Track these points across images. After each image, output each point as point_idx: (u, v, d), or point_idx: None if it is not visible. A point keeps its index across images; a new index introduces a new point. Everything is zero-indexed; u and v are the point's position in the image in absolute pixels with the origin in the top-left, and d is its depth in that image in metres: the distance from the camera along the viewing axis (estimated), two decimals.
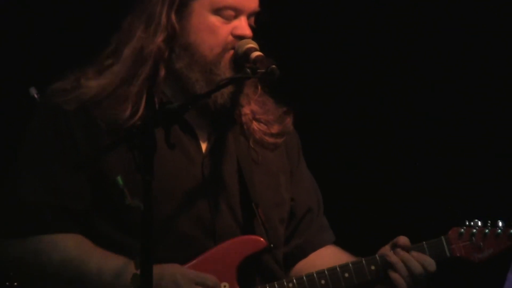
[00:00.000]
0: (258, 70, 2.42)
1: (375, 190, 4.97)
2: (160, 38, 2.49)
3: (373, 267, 2.47)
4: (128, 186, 2.14)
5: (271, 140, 2.64)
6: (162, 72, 2.51)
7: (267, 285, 2.50)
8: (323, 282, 2.46)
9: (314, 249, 2.67)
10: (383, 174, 5.07)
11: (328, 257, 2.63)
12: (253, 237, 2.51)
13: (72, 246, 2.48)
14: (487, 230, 2.51)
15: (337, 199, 3.03)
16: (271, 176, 2.62)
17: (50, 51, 4.39)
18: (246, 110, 2.63)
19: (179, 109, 2.20)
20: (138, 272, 2.07)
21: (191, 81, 2.52)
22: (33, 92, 3.34)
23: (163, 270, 2.38)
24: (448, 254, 2.48)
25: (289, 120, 2.68)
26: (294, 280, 2.49)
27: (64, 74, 2.55)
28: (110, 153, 2.35)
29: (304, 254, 2.65)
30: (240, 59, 2.49)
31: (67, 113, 2.47)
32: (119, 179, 2.17)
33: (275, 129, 2.65)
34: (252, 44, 2.51)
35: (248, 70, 2.42)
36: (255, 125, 2.64)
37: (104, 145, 2.43)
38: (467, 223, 2.54)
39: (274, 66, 2.42)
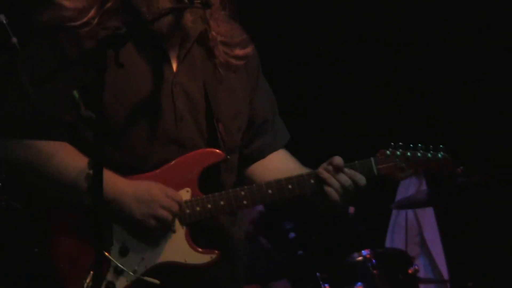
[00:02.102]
0: (195, 1, 2.75)
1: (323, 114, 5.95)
2: None
3: (312, 181, 2.84)
4: (87, 99, 2.60)
5: (234, 62, 2.99)
6: (116, 4, 2.84)
7: (223, 191, 2.82)
8: (270, 191, 2.88)
9: (270, 151, 3.06)
10: (330, 102, 6.01)
11: (279, 161, 3.05)
12: (213, 150, 2.87)
13: (63, 150, 2.84)
14: (409, 153, 2.86)
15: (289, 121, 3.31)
16: (232, 92, 2.98)
17: None
18: (213, 34, 2.92)
19: (125, 34, 2.57)
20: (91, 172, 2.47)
21: (136, 11, 2.82)
22: (2, 18, 3.71)
23: (139, 184, 2.75)
24: (375, 172, 2.86)
25: (251, 45, 3.00)
26: (246, 189, 2.87)
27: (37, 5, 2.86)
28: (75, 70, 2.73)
29: (262, 155, 3.05)
30: None
31: (53, 28, 2.83)
32: (75, 93, 2.59)
33: (238, 52, 2.97)
34: None
35: (186, 0, 2.76)
36: (220, 48, 2.95)
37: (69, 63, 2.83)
38: (393, 146, 2.89)
39: None
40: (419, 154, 2.88)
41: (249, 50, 3.00)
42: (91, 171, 2.57)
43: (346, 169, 2.79)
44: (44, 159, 2.83)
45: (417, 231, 5.70)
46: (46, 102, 2.83)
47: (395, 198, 5.71)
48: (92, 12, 2.81)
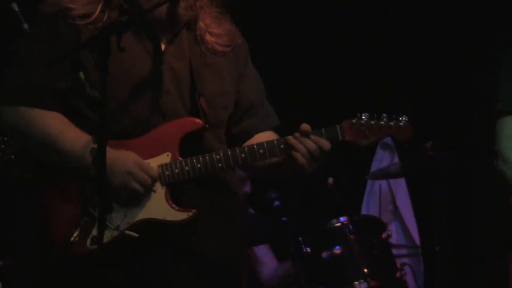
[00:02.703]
0: None
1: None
2: None
3: (282, 146, 3.04)
4: (90, 80, 2.84)
5: (220, 48, 3.18)
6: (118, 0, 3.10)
7: (199, 156, 3.03)
8: (243, 155, 3.05)
9: (257, 131, 3.25)
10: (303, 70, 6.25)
11: (264, 139, 3.21)
12: (192, 118, 3.11)
13: (55, 120, 3.06)
14: (372, 122, 3.08)
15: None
16: (217, 73, 3.20)
17: None
18: (201, 24, 3.16)
19: (127, 21, 2.80)
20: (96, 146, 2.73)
21: (134, 1, 3.07)
22: (15, 6, 3.92)
23: (119, 154, 2.97)
24: (340, 138, 3.07)
25: (238, 34, 3.26)
26: (221, 153, 3.05)
27: None
28: (80, 53, 2.94)
29: (249, 135, 3.24)
30: None
31: (53, 14, 3.11)
32: (81, 74, 2.80)
33: (224, 40, 3.19)
34: None
35: None
36: (207, 36, 3.17)
37: (73, 46, 3.03)
38: (358, 115, 3.10)
39: None
40: (381, 123, 3.10)
41: (236, 38, 3.24)
42: (83, 142, 2.95)
43: (311, 135, 3.02)
44: (36, 127, 3.07)
45: (390, 199, 5.93)
46: (42, 74, 3.07)
47: (370, 170, 5.98)
48: (98, 9, 3.06)
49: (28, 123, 3.06)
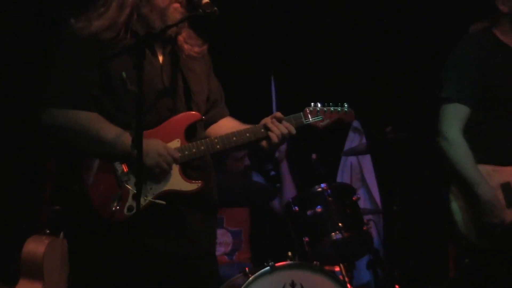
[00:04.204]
0: (207, 11, 3.25)
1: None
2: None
3: (262, 130, 3.44)
4: (128, 79, 3.20)
5: (195, 54, 3.52)
6: (135, 16, 3.36)
7: (202, 140, 3.40)
8: (234, 138, 3.44)
9: (221, 118, 3.66)
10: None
11: (229, 123, 3.65)
12: (193, 112, 3.44)
13: (92, 117, 3.31)
14: (325, 109, 3.53)
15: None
16: (198, 77, 3.55)
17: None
18: (180, 38, 3.49)
19: (148, 37, 3.28)
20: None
21: (152, 21, 3.38)
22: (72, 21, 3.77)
23: (150, 141, 3.26)
24: (304, 122, 3.48)
25: (205, 46, 3.60)
26: (218, 137, 3.42)
27: (75, 15, 3.39)
28: (115, 60, 3.29)
29: (215, 120, 3.64)
30: (195, 4, 3.30)
31: (84, 36, 3.32)
32: (123, 73, 3.19)
33: (197, 49, 3.54)
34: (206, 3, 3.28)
35: (200, 10, 3.26)
36: (185, 46, 3.51)
37: (108, 55, 3.30)
38: (313, 104, 3.54)
39: (215, 8, 3.25)
40: (332, 109, 3.52)
41: (204, 48, 3.58)
42: (117, 133, 3.27)
43: (283, 121, 3.40)
44: (82, 125, 3.31)
45: (359, 171, 6.45)
46: (81, 83, 3.32)
47: (343, 148, 6.44)
48: (121, 30, 3.36)
49: (75, 121, 3.31)
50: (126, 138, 3.24)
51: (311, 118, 3.50)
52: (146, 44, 3.34)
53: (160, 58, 3.44)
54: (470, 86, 4.10)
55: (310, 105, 3.52)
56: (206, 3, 3.26)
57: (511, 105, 4.12)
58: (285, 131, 3.36)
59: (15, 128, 5.73)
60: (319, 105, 3.53)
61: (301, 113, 3.47)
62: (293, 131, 3.38)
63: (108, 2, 3.37)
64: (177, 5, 3.33)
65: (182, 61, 3.50)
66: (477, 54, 4.16)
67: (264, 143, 3.44)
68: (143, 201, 3.23)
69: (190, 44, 3.55)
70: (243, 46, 6.19)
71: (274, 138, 3.35)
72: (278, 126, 3.37)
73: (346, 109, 3.55)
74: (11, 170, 5.84)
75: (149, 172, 3.30)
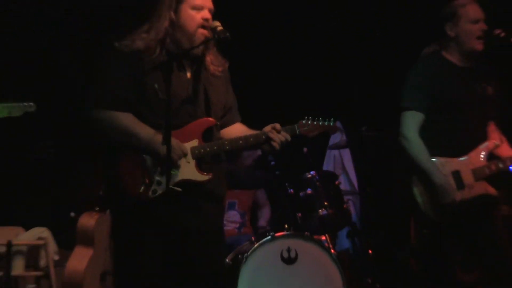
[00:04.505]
0: (221, 36, 3.23)
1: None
2: (167, 23, 3.31)
3: (264, 137, 3.31)
4: (159, 90, 3.18)
5: (218, 74, 3.44)
6: (169, 39, 3.33)
7: (215, 141, 3.32)
8: (240, 142, 3.34)
9: (232, 123, 3.57)
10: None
11: (238, 128, 3.54)
12: (210, 118, 3.37)
13: (129, 118, 3.25)
14: (315, 122, 3.43)
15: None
16: (218, 90, 3.48)
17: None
18: (208, 58, 3.43)
19: (178, 56, 3.28)
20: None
21: (181, 43, 3.34)
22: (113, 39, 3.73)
23: (174, 141, 3.18)
24: (297, 132, 3.39)
25: (226, 65, 3.51)
26: (227, 140, 3.32)
27: (120, 36, 3.36)
28: (151, 73, 3.23)
29: (228, 125, 3.54)
30: (212, 30, 3.28)
31: (135, 50, 3.29)
32: (156, 85, 3.18)
33: (220, 69, 3.47)
34: (218, 23, 3.28)
35: (216, 36, 3.26)
36: (211, 67, 3.43)
37: (146, 69, 3.25)
38: (306, 118, 3.43)
39: (228, 34, 3.21)
40: (320, 123, 3.42)
41: (225, 67, 3.49)
42: (150, 132, 3.16)
43: (282, 131, 3.34)
44: (119, 123, 3.22)
45: (340, 161, 6.33)
46: (120, 89, 3.24)
47: (328, 144, 6.31)
48: (156, 49, 3.30)
49: (117, 120, 3.24)
50: (158, 137, 3.19)
51: (303, 129, 3.45)
52: (175, 62, 3.31)
53: (188, 74, 3.39)
54: (423, 97, 4.01)
55: (304, 119, 3.47)
56: (221, 30, 3.24)
57: (456, 110, 4.04)
58: (283, 139, 3.34)
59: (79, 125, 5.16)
60: (310, 118, 3.48)
61: (296, 125, 3.43)
62: (289, 139, 3.38)
63: (149, 28, 3.35)
64: (202, 30, 3.30)
65: (206, 77, 3.44)
66: (428, 71, 4.06)
67: (265, 146, 3.40)
68: (164, 187, 3.20)
69: (215, 65, 3.47)
70: (250, 64, 6.02)
71: (276, 145, 3.34)
72: (278, 136, 3.34)
73: (331, 123, 3.50)
74: (74, 164, 5.78)
75: (174, 164, 3.26)
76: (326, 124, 3.44)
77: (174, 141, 3.19)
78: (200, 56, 3.37)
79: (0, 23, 5.61)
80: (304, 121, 3.40)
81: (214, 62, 3.45)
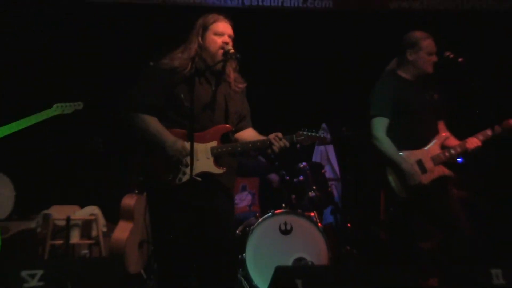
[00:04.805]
0: (233, 57, 3.26)
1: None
2: (196, 46, 3.34)
3: (268, 142, 3.26)
4: (184, 99, 3.15)
5: (237, 89, 3.42)
6: (197, 58, 3.33)
7: (230, 143, 3.29)
8: (250, 145, 3.32)
9: (245, 128, 3.50)
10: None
11: (250, 132, 3.48)
12: (227, 125, 3.34)
13: (152, 120, 3.23)
14: (309, 133, 3.37)
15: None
16: (235, 101, 3.44)
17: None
18: (231, 75, 3.42)
19: (203, 71, 3.25)
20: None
21: (207, 61, 3.34)
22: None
23: (176, 141, 3.17)
24: (295, 141, 3.31)
25: (245, 84, 3.47)
26: (240, 143, 3.32)
27: (161, 56, 3.36)
28: (180, 85, 3.21)
29: (241, 130, 3.48)
30: (225, 52, 3.29)
31: (168, 68, 3.29)
32: (182, 95, 3.16)
33: (239, 86, 3.45)
34: (231, 48, 3.31)
35: (229, 56, 3.27)
36: (233, 83, 3.43)
37: (176, 81, 3.25)
38: (303, 129, 3.38)
39: (238, 55, 3.24)
40: (312, 134, 3.37)
41: (244, 86, 3.47)
42: (171, 133, 3.12)
43: (283, 139, 3.28)
44: (147, 124, 3.21)
45: (326, 154, 6.19)
46: (151, 97, 3.23)
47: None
48: (188, 66, 3.30)
49: (146, 121, 3.23)
50: (169, 137, 3.17)
51: (299, 138, 3.38)
52: (202, 76, 3.31)
53: (213, 86, 3.38)
54: (387, 106, 4.04)
55: (300, 130, 3.42)
56: (232, 52, 3.30)
57: (413, 114, 4.05)
58: (283, 145, 3.31)
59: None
60: (306, 130, 3.43)
61: (294, 135, 3.38)
62: (288, 145, 3.36)
63: (183, 50, 3.37)
64: (222, 51, 3.32)
65: (227, 91, 3.42)
66: (390, 86, 4.10)
67: (268, 150, 3.36)
68: (188, 177, 3.19)
69: (237, 83, 3.46)
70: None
71: (276, 149, 3.30)
72: (279, 142, 3.31)
73: (322, 135, 3.46)
74: (119, 155, 5.79)
75: (177, 160, 3.19)
76: (317, 135, 3.44)
77: (180, 145, 3.19)
78: (221, 71, 3.38)
79: (63, 34, 5.71)
80: (301, 132, 3.39)
81: (236, 80, 3.46)
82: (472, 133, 4.11)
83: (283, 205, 4.74)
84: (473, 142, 4.06)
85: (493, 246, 4.74)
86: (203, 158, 3.27)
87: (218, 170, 3.30)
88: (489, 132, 4.06)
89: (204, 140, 3.29)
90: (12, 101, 5.20)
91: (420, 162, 4.01)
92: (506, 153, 5.30)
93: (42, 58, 5.70)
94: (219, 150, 3.29)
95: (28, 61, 5.68)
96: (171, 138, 3.20)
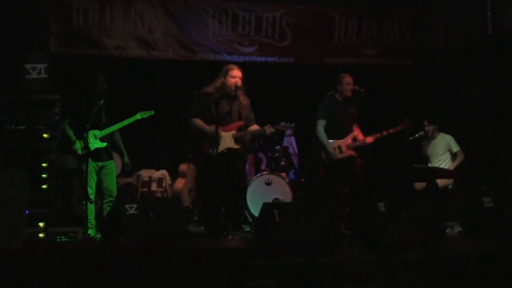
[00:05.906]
0: (241, 88, 4.53)
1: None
2: (220, 82, 4.74)
3: (264, 131, 4.36)
4: (214, 110, 4.54)
5: (245, 103, 4.68)
6: (222, 89, 4.55)
7: (240, 132, 4.34)
8: (252, 133, 4.55)
9: (252, 124, 4.71)
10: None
11: (254, 126, 4.65)
12: (241, 122, 4.61)
13: (200, 121, 4.49)
14: (285, 124, 4.41)
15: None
16: (245, 110, 4.72)
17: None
18: (240, 97, 4.70)
19: (225, 95, 4.39)
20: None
21: (227, 90, 4.70)
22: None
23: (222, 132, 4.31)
24: (278, 128, 4.31)
25: (249, 101, 4.68)
26: (248, 130, 4.34)
27: (204, 87, 4.52)
28: (212, 102, 4.48)
29: (249, 125, 4.72)
30: (237, 86, 4.59)
31: (206, 93, 4.58)
32: (212, 109, 4.53)
33: (246, 102, 4.72)
34: (240, 83, 4.57)
35: (239, 88, 4.54)
36: (243, 101, 4.72)
37: (210, 100, 4.52)
38: (283, 122, 4.47)
39: (244, 87, 4.44)
40: (287, 124, 4.50)
41: (249, 102, 4.75)
42: (212, 128, 4.55)
43: (271, 128, 4.56)
44: (197, 123, 4.52)
45: (290, 141, 7.48)
46: (198, 108, 4.68)
47: (285, 134, 7.56)
48: (217, 91, 4.66)
49: (197, 121, 4.52)
50: (211, 129, 4.33)
51: (280, 127, 4.50)
52: (225, 98, 4.39)
53: (230, 103, 4.70)
54: (326, 114, 5.55)
55: (281, 122, 4.57)
56: (240, 85, 4.62)
57: (339, 119, 5.40)
58: (272, 131, 4.57)
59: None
60: (284, 122, 4.59)
61: (277, 125, 4.59)
62: (274, 131, 4.61)
63: (214, 84, 4.61)
64: (234, 86, 4.49)
65: (239, 104, 4.72)
66: (329, 103, 5.60)
67: (263, 135, 4.50)
68: (219, 150, 4.45)
69: (245, 101, 4.71)
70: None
71: (267, 134, 4.48)
72: (268, 130, 4.59)
73: (293, 125, 4.63)
74: (180, 141, 7.12)
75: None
76: (291, 125, 4.66)
77: (214, 131, 4.36)
78: (235, 95, 4.70)
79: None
80: (282, 123, 4.64)
81: (244, 99, 4.78)
82: (371, 133, 5.69)
83: (267, 169, 6.61)
84: (369, 139, 5.73)
85: (378, 189, 6.32)
86: (228, 140, 4.59)
87: (236, 146, 4.64)
88: (378, 134, 5.72)
89: (228, 130, 4.67)
90: (114, 110, 5.89)
91: (339, 147, 5.64)
92: (385, 145, 6.55)
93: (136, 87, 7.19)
94: (238, 135, 4.58)
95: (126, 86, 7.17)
96: (209, 128, 4.57)
